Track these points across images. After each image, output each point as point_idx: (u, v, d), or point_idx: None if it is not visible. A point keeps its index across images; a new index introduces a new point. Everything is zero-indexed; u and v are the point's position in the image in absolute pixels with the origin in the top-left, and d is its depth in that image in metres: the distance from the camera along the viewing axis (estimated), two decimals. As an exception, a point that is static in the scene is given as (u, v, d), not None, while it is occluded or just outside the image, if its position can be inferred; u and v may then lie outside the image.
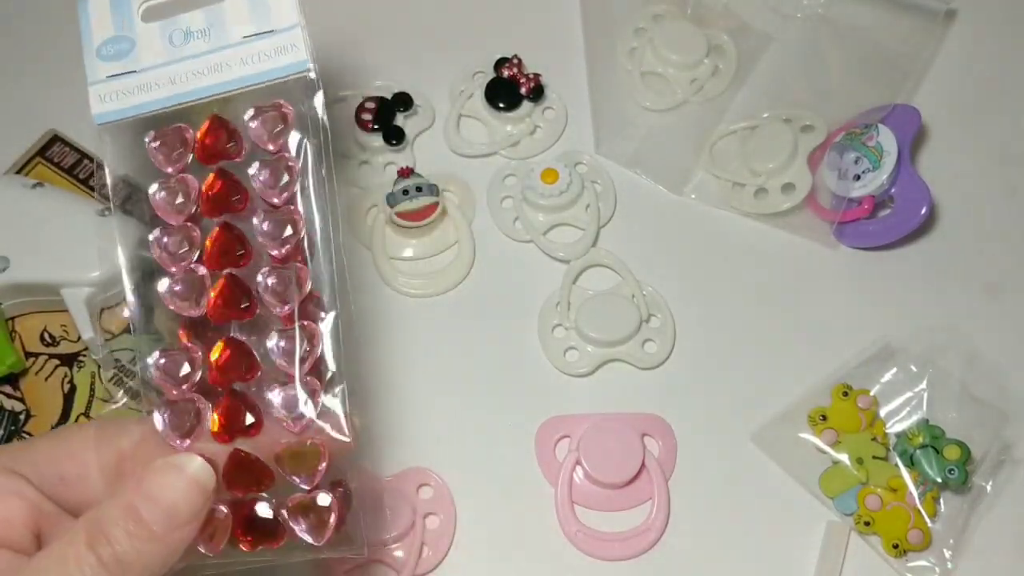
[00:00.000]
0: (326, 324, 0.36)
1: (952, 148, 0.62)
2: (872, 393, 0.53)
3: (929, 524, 0.50)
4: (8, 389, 0.55)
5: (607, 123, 0.62)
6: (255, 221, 0.37)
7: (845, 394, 0.53)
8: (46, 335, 0.56)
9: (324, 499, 0.35)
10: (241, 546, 0.35)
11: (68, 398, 0.55)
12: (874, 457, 0.52)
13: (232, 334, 0.37)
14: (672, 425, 0.54)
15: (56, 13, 0.67)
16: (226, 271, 0.37)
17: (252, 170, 0.37)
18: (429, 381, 0.56)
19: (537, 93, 0.62)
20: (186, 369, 0.36)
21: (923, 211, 0.56)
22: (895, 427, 0.53)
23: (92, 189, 0.59)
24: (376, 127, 0.60)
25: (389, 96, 0.62)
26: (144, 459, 0.35)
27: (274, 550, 0.36)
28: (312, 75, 0.37)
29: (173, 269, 0.37)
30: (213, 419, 0.35)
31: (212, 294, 0.37)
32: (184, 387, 0.36)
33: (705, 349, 0.56)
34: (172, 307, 0.37)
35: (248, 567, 0.37)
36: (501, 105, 0.62)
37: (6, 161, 0.60)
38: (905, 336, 0.55)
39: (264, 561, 0.36)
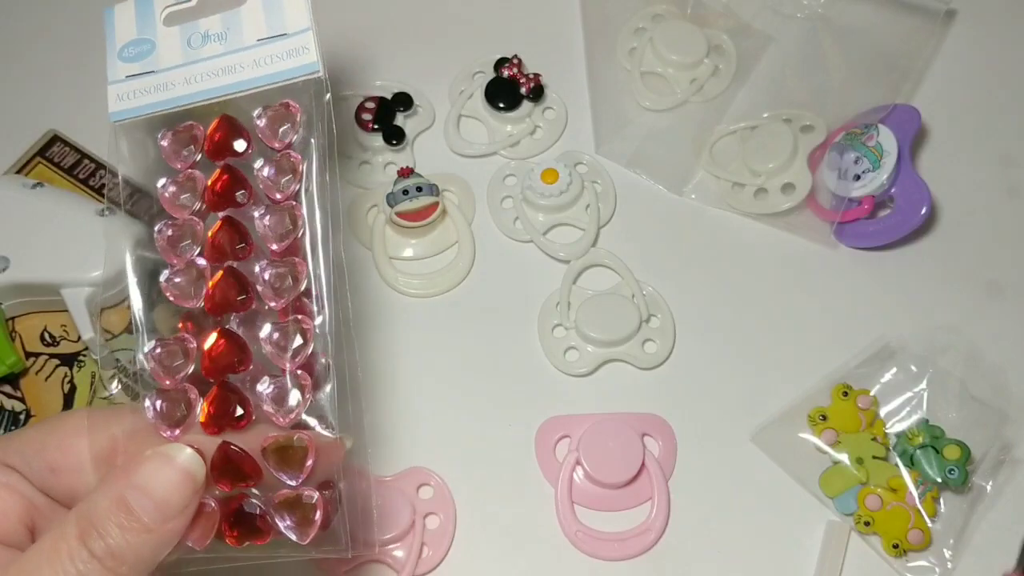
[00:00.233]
0: (321, 321, 0.37)
1: (952, 148, 0.62)
2: (872, 393, 0.53)
3: (929, 524, 0.50)
4: (8, 389, 0.55)
5: (607, 123, 0.62)
6: (256, 215, 0.37)
7: (845, 394, 0.53)
8: (46, 335, 0.56)
9: (310, 497, 0.35)
10: (227, 541, 0.35)
11: (68, 398, 0.55)
12: (874, 457, 0.52)
13: (229, 327, 0.37)
14: (672, 425, 0.54)
15: (56, 14, 0.67)
16: (226, 263, 0.37)
17: (257, 166, 0.38)
18: (429, 381, 0.56)
19: (537, 93, 0.62)
20: (180, 359, 0.37)
21: (923, 211, 0.56)
22: (895, 427, 0.53)
23: (92, 189, 0.59)
24: (376, 127, 0.61)
25: (389, 96, 0.62)
26: (136, 449, 0.35)
27: (260, 547, 0.36)
28: (321, 76, 0.38)
29: (174, 261, 0.38)
30: (203, 408, 0.36)
31: (210, 285, 0.37)
32: (178, 377, 0.36)
33: (705, 349, 0.56)
34: (171, 298, 0.37)
35: (236, 564, 0.37)
36: (501, 105, 0.62)
37: (6, 161, 0.60)
38: (905, 336, 0.55)
39: (251, 558, 0.36)
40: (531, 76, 0.62)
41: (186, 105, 0.38)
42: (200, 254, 0.38)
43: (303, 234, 0.37)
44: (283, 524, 0.35)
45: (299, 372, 0.36)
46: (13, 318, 0.56)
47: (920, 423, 0.52)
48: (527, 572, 0.51)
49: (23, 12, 0.67)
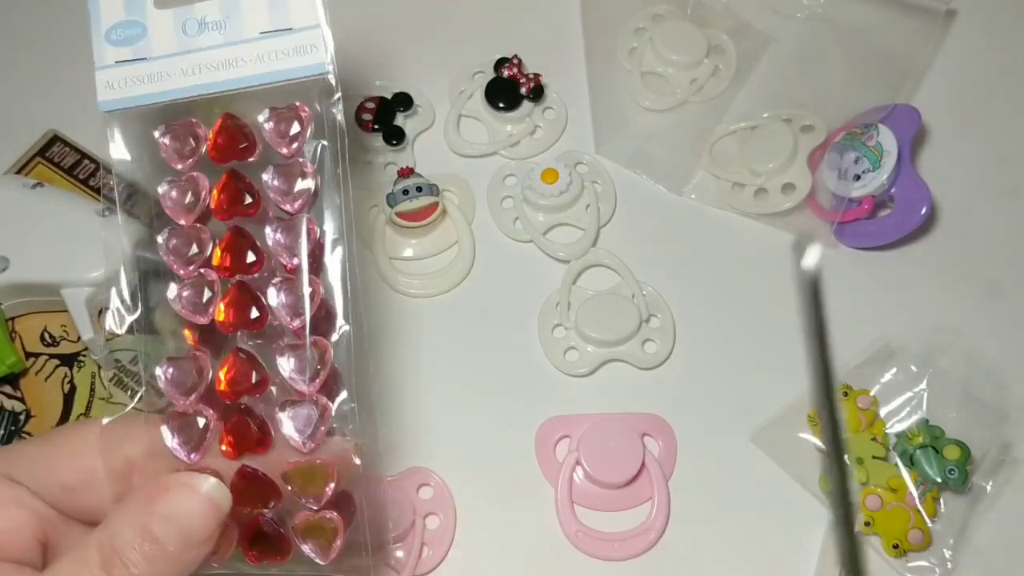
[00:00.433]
0: (338, 339, 0.36)
1: (952, 148, 0.62)
2: (872, 393, 0.53)
3: (929, 524, 0.50)
4: (8, 389, 0.55)
5: (607, 123, 0.62)
6: (268, 230, 0.36)
7: (845, 394, 0.53)
8: (46, 335, 0.56)
9: (330, 520, 0.35)
10: (247, 559, 0.35)
11: (68, 398, 0.55)
12: (874, 457, 0.52)
13: (240, 343, 0.36)
14: (672, 425, 0.54)
15: (56, 13, 0.67)
16: (237, 279, 0.36)
17: (266, 176, 0.36)
18: (429, 381, 0.56)
19: (537, 93, 0.62)
20: (194, 379, 0.35)
21: (923, 211, 0.56)
22: (895, 427, 0.53)
23: (92, 189, 0.59)
24: (376, 127, 0.61)
25: (389, 96, 0.62)
26: (154, 470, 0.35)
27: (279, 564, 0.35)
28: (331, 78, 0.35)
29: (181, 273, 0.37)
30: (222, 435, 0.35)
31: (222, 304, 0.36)
32: (192, 397, 0.35)
33: (705, 349, 0.56)
34: (181, 313, 0.36)
35: None
36: (501, 105, 0.62)
37: (6, 161, 0.60)
38: (905, 336, 0.55)
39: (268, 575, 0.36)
40: (531, 76, 0.62)
41: (186, 98, 0.35)
42: (208, 264, 0.36)
43: (317, 247, 0.36)
44: (304, 547, 0.35)
45: (318, 397, 0.35)
46: (13, 318, 0.56)
47: (920, 423, 0.52)
48: (527, 572, 0.51)
49: (23, 12, 0.67)
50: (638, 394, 0.55)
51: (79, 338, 0.54)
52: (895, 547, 0.50)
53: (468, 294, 0.58)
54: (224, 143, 0.37)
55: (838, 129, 0.60)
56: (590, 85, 0.64)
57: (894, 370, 0.54)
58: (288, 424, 0.34)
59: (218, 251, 0.36)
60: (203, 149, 0.37)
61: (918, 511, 0.50)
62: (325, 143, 0.36)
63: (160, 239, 0.37)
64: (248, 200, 0.37)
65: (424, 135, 0.63)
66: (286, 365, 0.35)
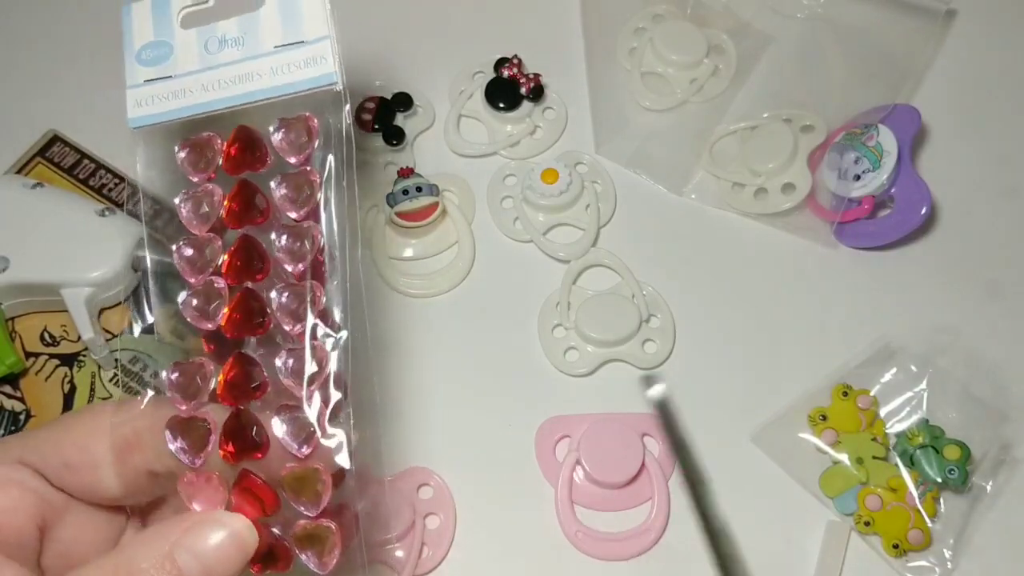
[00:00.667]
0: (337, 345, 0.36)
1: (952, 148, 0.62)
2: (872, 393, 0.53)
3: (929, 524, 0.50)
4: (8, 389, 0.55)
5: (607, 123, 0.62)
6: (274, 236, 0.36)
7: (845, 394, 0.53)
8: (46, 335, 0.56)
9: (328, 528, 0.35)
10: (251, 569, 0.35)
11: (68, 398, 0.55)
12: (874, 457, 0.52)
13: (246, 350, 0.36)
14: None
15: (57, 14, 0.67)
16: (243, 285, 0.37)
17: (274, 184, 0.37)
18: (429, 381, 0.56)
19: (537, 93, 0.62)
20: (197, 384, 0.36)
21: (923, 211, 0.56)
22: (895, 427, 0.53)
23: (92, 189, 0.59)
24: (376, 127, 0.61)
25: (389, 96, 0.62)
26: (155, 448, 0.35)
27: (280, 574, 0.35)
28: (339, 88, 0.36)
29: (192, 280, 0.37)
30: (221, 440, 0.35)
31: (227, 309, 0.36)
32: (194, 402, 0.36)
33: (705, 349, 0.56)
34: (189, 319, 0.37)
35: None
36: (501, 105, 0.62)
37: (6, 161, 0.60)
38: (905, 336, 0.55)
39: None
40: (531, 76, 0.62)
41: (204, 113, 0.37)
42: (218, 273, 0.37)
43: (320, 254, 0.36)
44: (303, 555, 0.35)
45: (316, 402, 0.35)
46: (13, 318, 0.56)
47: (920, 423, 0.52)
48: (527, 572, 0.51)
49: (23, 12, 0.67)
50: (638, 394, 0.55)
51: (79, 338, 0.54)
52: (895, 547, 0.50)
53: (468, 294, 0.58)
54: (237, 154, 0.38)
55: (838, 129, 0.60)
56: (590, 85, 0.64)
57: (894, 370, 0.54)
58: (283, 429, 0.35)
59: (227, 256, 0.37)
60: (218, 161, 0.38)
61: (918, 511, 0.50)
62: (332, 152, 0.37)
63: (174, 247, 0.37)
64: (258, 208, 0.37)
65: (424, 135, 0.63)
66: (284, 369, 0.35)
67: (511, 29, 0.66)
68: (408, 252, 0.59)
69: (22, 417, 0.54)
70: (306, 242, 0.36)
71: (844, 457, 0.52)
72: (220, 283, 0.37)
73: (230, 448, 0.35)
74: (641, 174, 0.61)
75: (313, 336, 0.36)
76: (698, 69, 0.63)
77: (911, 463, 0.51)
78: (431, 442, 0.54)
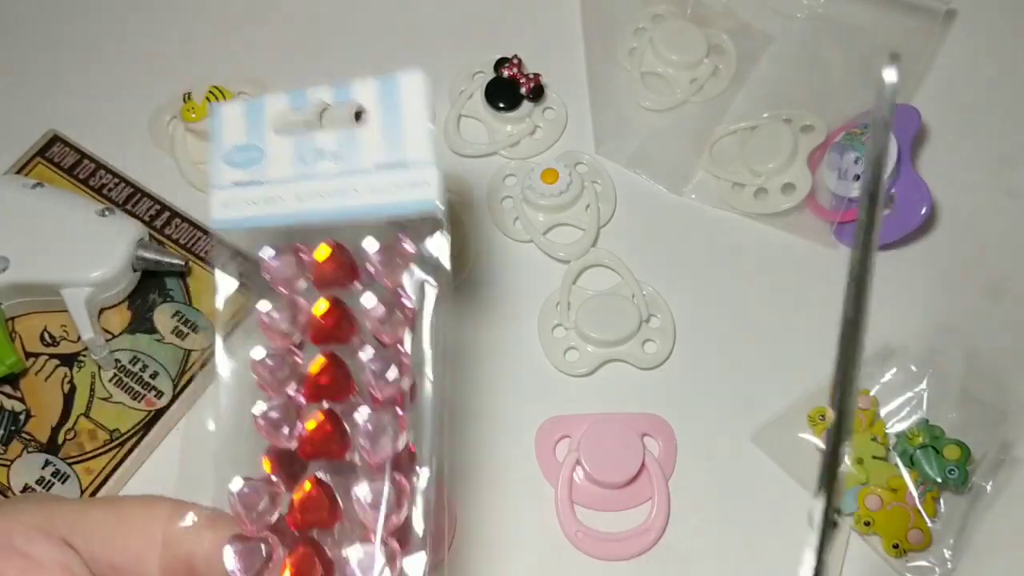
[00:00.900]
0: (420, 481, 0.34)
1: (952, 148, 0.62)
2: (872, 393, 0.53)
3: (929, 524, 0.50)
4: (8, 389, 0.55)
5: (607, 123, 0.62)
6: (361, 356, 0.35)
7: (845, 394, 0.53)
8: (46, 335, 0.56)
9: None
10: None
11: (68, 398, 0.55)
12: (874, 457, 0.52)
13: (318, 473, 0.35)
14: (672, 425, 0.54)
15: (57, 14, 0.67)
16: (325, 405, 0.35)
17: (366, 303, 0.35)
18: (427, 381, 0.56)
19: (537, 93, 0.62)
20: (266, 504, 0.34)
21: (923, 211, 0.56)
22: (895, 427, 0.53)
23: (92, 189, 0.59)
24: (376, 127, 0.60)
25: (389, 96, 0.62)
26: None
27: None
28: (439, 215, 0.35)
29: (271, 393, 0.36)
30: (285, 565, 0.33)
31: (307, 428, 0.35)
32: (261, 523, 0.34)
33: (705, 349, 0.56)
34: (262, 433, 0.35)
35: None
36: (501, 105, 0.62)
37: (6, 161, 0.60)
38: (905, 336, 0.55)
39: None
40: (531, 76, 0.62)
41: (294, 224, 0.35)
42: (297, 388, 0.36)
43: (408, 379, 0.34)
44: None
45: (390, 539, 0.33)
46: (13, 318, 0.56)
47: (920, 423, 0.52)
48: (527, 572, 0.51)
49: (23, 12, 0.67)
50: (638, 394, 0.55)
51: (79, 338, 0.54)
52: (895, 547, 0.50)
53: (468, 294, 0.58)
54: (329, 272, 0.36)
55: (838, 129, 0.60)
56: (590, 85, 0.64)
57: (894, 370, 0.54)
58: (352, 564, 0.33)
59: (311, 374, 0.35)
60: (306, 274, 0.37)
61: (918, 511, 0.50)
62: (427, 277, 0.35)
63: (254, 356, 0.36)
64: (345, 327, 0.36)
65: (424, 135, 0.63)
66: (361, 499, 0.33)
67: (511, 29, 0.66)
68: (408, 252, 0.59)
69: (22, 417, 0.54)
70: (394, 367, 0.34)
71: (844, 457, 0.52)
72: (300, 400, 0.35)
73: None
74: (641, 174, 0.61)
75: (395, 468, 0.34)
76: (698, 69, 0.63)
77: (911, 463, 0.51)
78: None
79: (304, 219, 0.35)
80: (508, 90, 0.62)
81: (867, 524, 0.51)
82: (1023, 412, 0.53)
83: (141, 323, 0.56)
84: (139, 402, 0.54)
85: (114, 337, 0.56)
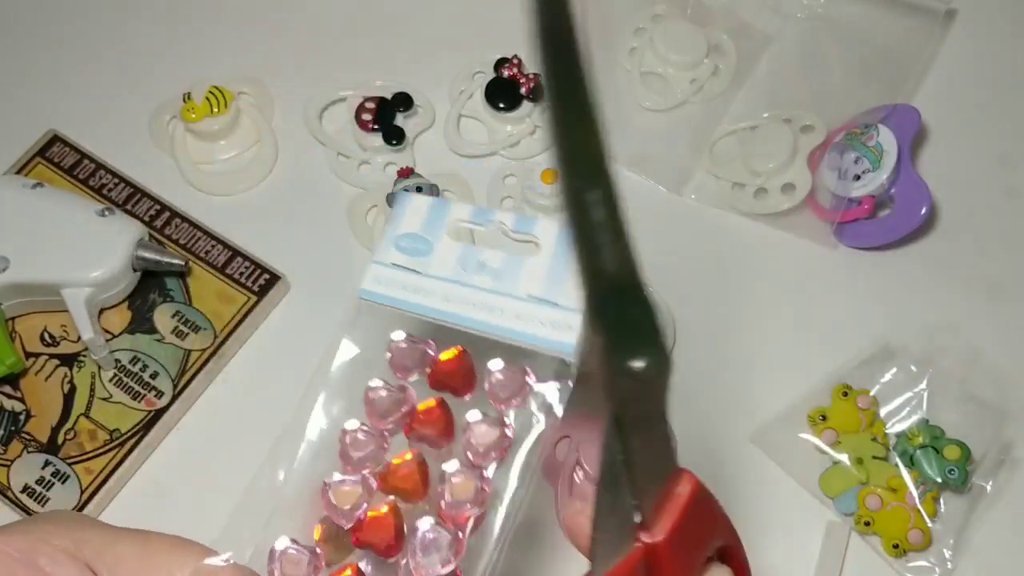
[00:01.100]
0: None
1: (952, 148, 0.62)
2: (872, 393, 0.53)
3: (929, 524, 0.50)
4: (8, 389, 0.55)
5: (607, 123, 0.62)
6: (445, 468, 0.35)
7: (845, 394, 0.53)
8: (46, 335, 0.56)
9: None
10: None
11: (68, 398, 0.55)
12: (874, 457, 0.52)
13: (361, 563, 0.35)
14: (672, 425, 0.54)
15: (57, 14, 0.67)
16: (392, 498, 0.35)
17: (470, 417, 0.36)
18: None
19: (537, 93, 0.62)
20: (303, 572, 0.34)
21: (923, 211, 0.56)
22: (895, 427, 0.53)
23: (92, 189, 0.59)
24: (376, 127, 0.60)
25: (389, 96, 0.62)
26: None
27: None
28: (570, 362, 0.35)
29: (348, 468, 0.36)
30: None
31: (368, 515, 0.35)
32: None
33: (705, 349, 0.56)
34: (324, 503, 0.35)
35: None
36: (501, 105, 0.62)
37: (6, 161, 0.60)
38: (905, 336, 0.55)
39: None
40: (531, 76, 0.62)
41: (433, 320, 0.37)
42: (374, 473, 0.36)
43: (483, 505, 0.35)
44: None
45: None
46: (13, 318, 0.56)
47: (920, 423, 0.52)
48: (527, 572, 0.51)
49: (24, 12, 0.67)
50: (638, 394, 0.55)
51: (79, 338, 0.54)
52: (895, 547, 0.50)
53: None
54: (448, 374, 0.37)
55: (838, 129, 0.60)
56: (590, 85, 0.64)
57: (894, 370, 0.54)
58: None
59: (393, 464, 0.35)
60: (425, 368, 0.37)
61: (918, 511, 0.50)
62: (538, 414, 0.36)
63: (347, 426, 0.36)
64: (443, 433, 0.36)
65: (424, 135, 0.63)
66: None
67: (511, 29, 0.65)
68: (408, 252, 0.59)
69: (22, 417, 0.54)
70: (472, 491, 0.35)
71: (844, 457, 0.52)
72: (373, 484, 0.35)
73: None
74: (641, 174, 0.61)
75: None
76: (698, 69, 0.63)
77: (911, 463, 0.51)
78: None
79: (445, 319, 0.36)
80: (508, 90, 0.62)
81: (867, 524, 0.51)
82: (1023, 412, 0.53)
83: (141, 323, 0.56)
84: (139, 402, 0.54)
85: (114, 337, 0.56)
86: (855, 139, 0.58)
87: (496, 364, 0.36)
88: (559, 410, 0.36)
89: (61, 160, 0.60)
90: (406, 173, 0.59)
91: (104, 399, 0.54)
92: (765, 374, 0.56)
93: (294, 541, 0.34)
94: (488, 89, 0.62)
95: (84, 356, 0.55)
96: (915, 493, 0.51)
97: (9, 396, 0.55)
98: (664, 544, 0.28)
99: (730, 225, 0.60)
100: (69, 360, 0.56)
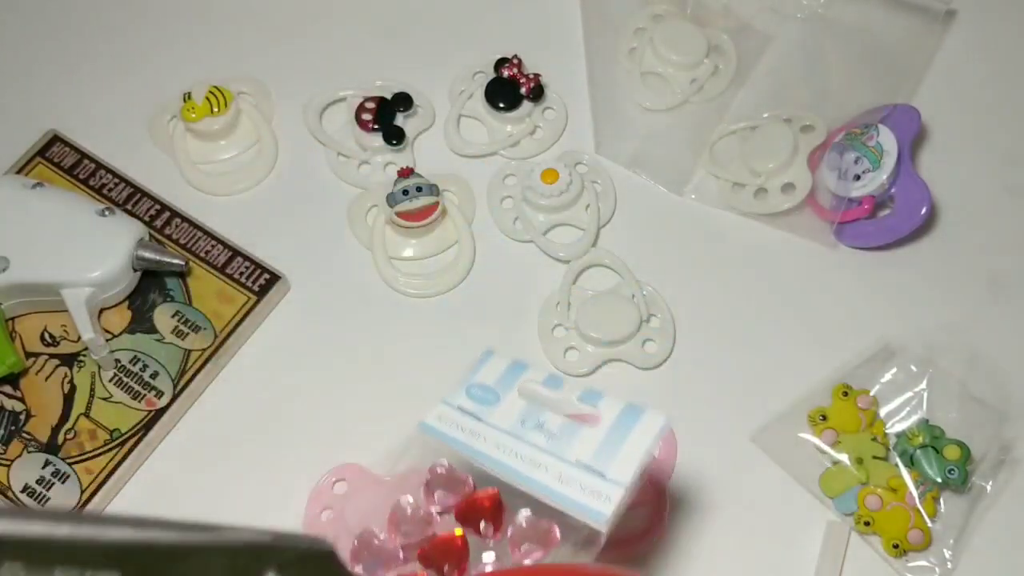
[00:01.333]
0: None
1: (952, 148, 0.62)
2: (872, 393, 0.53)
3: (929, 524, 0.50)
4: (8, 389, 0.55)
5: (607, 123, 0.62)
6: None
7: (845, 394, 0.53)
8: (46, 335, 0.56)
9: None
10: None
11: (68, 398, 0.55)
12: (874, 457, 0.52)
13: None
14: (672, 425, 0.54)
15: (58, 14, 0.67)
16: None
17: (485, 557, 0.37)
18: (429, 381, 0.56)
19: (537, 93, 0.62)
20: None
21: (923, 211, 0.56)
22: (895, 427, 0.53)
23: (92, 189, 0.59)
24: (376, 127, 0.61)
25: (389, 96, 0.62)
26: None
27: None
28: (601, 530, 0.36)
29: (358, 567, 0.37)
30: None
31: None
32: None
33: (705, 349, 0.56)
34: None
35: None
36: (501, 105, 0.62)
37: (6, 161, 0.60)
38: (905, 336, 0.55)
39: None
40: (531, 76, 0.62)
41: (480, 463, 0.38)
42: None
43: None
44: None
45: None
46: (13, 318, 0.56)
47: (920, 423, 0.52)
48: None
49: (24, 12, 0.67)
50: (638, 394, 0.55)
51: (79, 338, 0.54)
52: (895, 547, 0.50)
53: (468, 294, 0.58)
54: (479, 511, 0.38)
55: (838, 129, 0.60)
56: (590, 85, 0.64)
57: (894, 370, 0.54)
58: None
59: None
60: (455, 501, 0.39)
61: (918, 511, 0.50)
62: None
63: (365, 534, 0.38)
64: (453, 562, 0.37)
65: (424, 135, 0.63)
66: None
67: (511, 29, 0.66)
68: (408, 252, 0.59)
69: (22, 417, 0.54)
70: None
71: (844, 457, 0.52)
72: None
73: None
74: (641, 174, 0.61)
75: None
76: (698, 69, 0.63)
77: (911, 463, 0.51)
78: (431, 442, 0.54)
79: (491, 465, 0.38)
80: (508, 90, 0.62)
81: (867, 524, 0.51)
82: (1023, 412, 0.53)
83: (141, 323, 0.56)
84: (139, 402, 0.54)
85: (114, 337, 0.56)
86: (855, 139, 0.58)
87: (524, 514, 0.38)
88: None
89: (61, 160, 0.60)
90: (406, 173, 0.59)
91: (104, 399, 0.55)
92: (765, 374, 0.56)
93: None
94: (488, 89, 0.62)
95: (84, 356, 0.56)
96: (915, 493, 0.51)
97: (9, 396, 0.55)
98: None
99: (730, 225, 0.60)
100: (69, 360, 0.56)
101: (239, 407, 0.55)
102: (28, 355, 0.56)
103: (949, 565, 0.50)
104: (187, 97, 0.60)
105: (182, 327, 0.56)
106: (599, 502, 0.36)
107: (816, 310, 0.58)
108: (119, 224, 0.55)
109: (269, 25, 0.67)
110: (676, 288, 0.57)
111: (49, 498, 0.52)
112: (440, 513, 0.39)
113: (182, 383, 0.55)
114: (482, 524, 0.38)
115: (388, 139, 0.60)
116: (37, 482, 0.53)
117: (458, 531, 0.38)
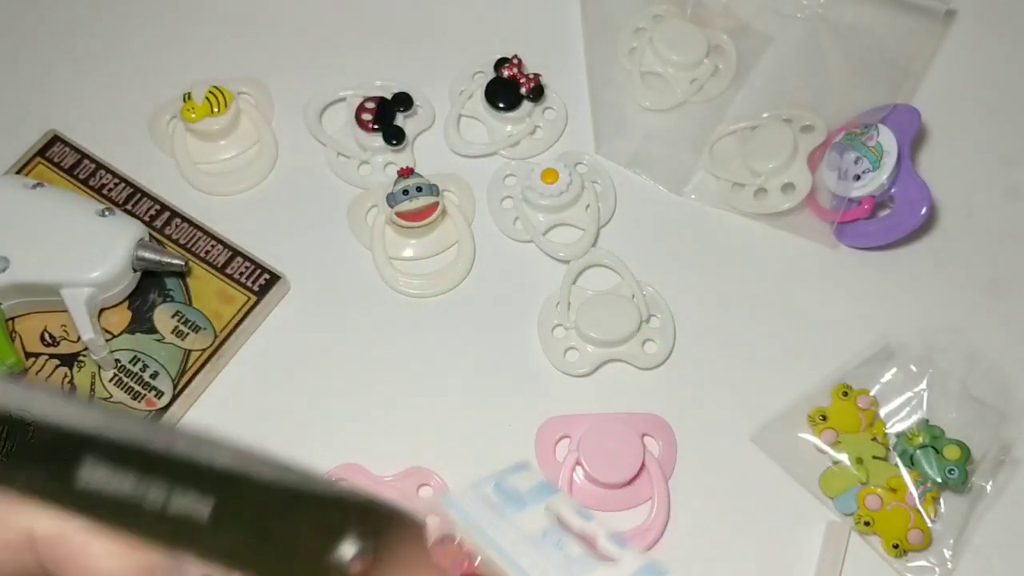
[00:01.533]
0: None
1: (952, 148, 0.62)
2: (872, 393, 0.53)
3: (929, 524, 0.50)
4: (8, 389, 0.55)
5: (607, 123, 0.62)
6: None
7: (845, 394, 0.53)
8: (46, 335, 0.56)
9: None
10: None
11: (68, 398, 0.55)
12: (874, 457, 0.52)
13: None
14: (672, 425, 0.54)
15: (57, 13, 0.67)
16: None
17: None
18: (429, 381, 0.56)
19: (537, 93, 0.62)
20: None
21: (923, 211, 0.56)
22: (895, 427, 0.53)
23: (92, 189, 0.59)
24: (376, 127, 0.60)
25: (389, 96, 0.62)
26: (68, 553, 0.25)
27: None
28: None
29: None
30: None
31: None
32: None
33: (705, 349, 0.56)
34: None
35: None
36: (501, 105, 0.62)
37: (6, 161, 0.60)
38: (905, 336, 0.55)
39: None
40: (531, 76, 0.62)
41: (489, 549, 0.37)
42: None
43: None
44: None
45: None
46: (13, 318, 0.56)
47: (920, 423, 0.52)
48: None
49: (23, 11, 0.67)
50: (638, 394, 0.55)
51: (79, 338, 0.54)
52: (895, 547, 0.50)
53: (468, 294, 0.58)
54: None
55: (838, 129, 0.60)
56: (590, 85, 0.64)
57: (894, 370, 0.54)
58: None
59: None
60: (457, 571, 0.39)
61: (918, 511, 0.50)
62: None
63: None
64: None
65: (424, 135, 0.63)
66: None
67: (511, 29, 0.66)
68: (408, 252, 0.59)
69: (22, 417, 0.54)
70: None
71: (844, 457, 0.52)
72: None
73: None
74: (641, 174, 0.61)
75: None
76: (698, 69, 0.63)
77: (911, 463, 0.51)
78: (431, 442, 0.54)
79: (502, 556, 0.37)
80: (508, 90, 0.62)
81: (867, 524, 0.51)
82: (1023, 412, 0.53)
83: (141, 323, 0.56)
84: (139, 402, 0.54)
85: (114, 337, 0.56)
86: (855, 139, 0.58)
87: None
88: None
89: (61, 160, 0.60)
90: (406, 173, 0.59)
91: (104, 399, 0.54)
92: (765, 374, 0.56)
93: None
94: (488, 89, 0.62)
95: (84, 356, 0.56)
96: (915, 493, 0.51)
97: (9, 396, 0.55)
98: None
99: (730, 225, 0.60)
100: (69, 360, 0.56)
101: (239, 407, 0.55)
102: (28, 355, 0.56)
103: (949, 565, 0.50)
104: (187, 97, 0.60)
105: (182, 327, 0.56)
106: None
107: (816, 310, 0.58)
108: (119, 224, 0.55)
109: (269, 25, 0.67)
110: (676, 288, 0.57)
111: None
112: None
113: (182, 383, 0.55)
114: None
115: (388, 139, 0.60)
116: (37, 482, 0.53)
117: None
